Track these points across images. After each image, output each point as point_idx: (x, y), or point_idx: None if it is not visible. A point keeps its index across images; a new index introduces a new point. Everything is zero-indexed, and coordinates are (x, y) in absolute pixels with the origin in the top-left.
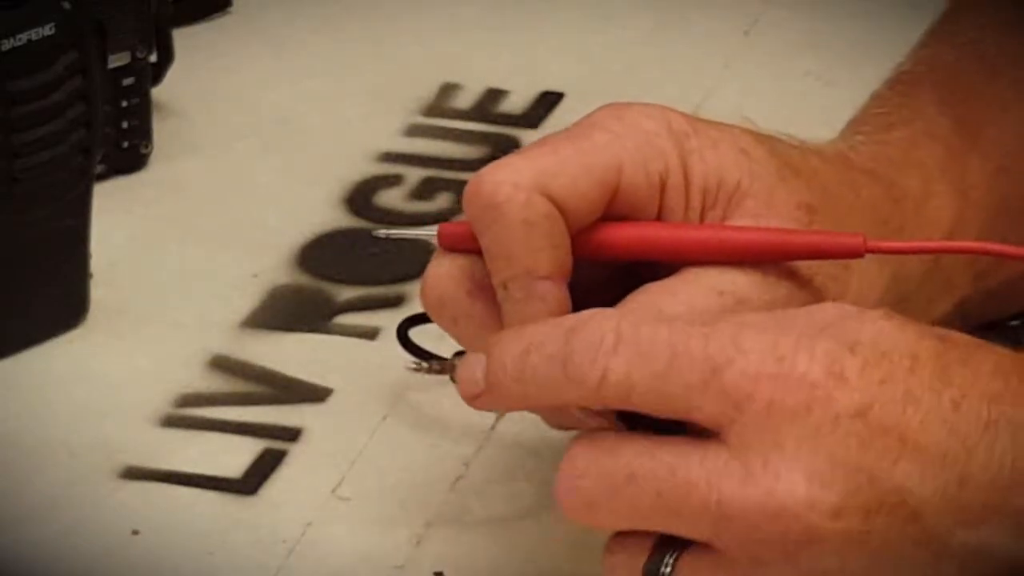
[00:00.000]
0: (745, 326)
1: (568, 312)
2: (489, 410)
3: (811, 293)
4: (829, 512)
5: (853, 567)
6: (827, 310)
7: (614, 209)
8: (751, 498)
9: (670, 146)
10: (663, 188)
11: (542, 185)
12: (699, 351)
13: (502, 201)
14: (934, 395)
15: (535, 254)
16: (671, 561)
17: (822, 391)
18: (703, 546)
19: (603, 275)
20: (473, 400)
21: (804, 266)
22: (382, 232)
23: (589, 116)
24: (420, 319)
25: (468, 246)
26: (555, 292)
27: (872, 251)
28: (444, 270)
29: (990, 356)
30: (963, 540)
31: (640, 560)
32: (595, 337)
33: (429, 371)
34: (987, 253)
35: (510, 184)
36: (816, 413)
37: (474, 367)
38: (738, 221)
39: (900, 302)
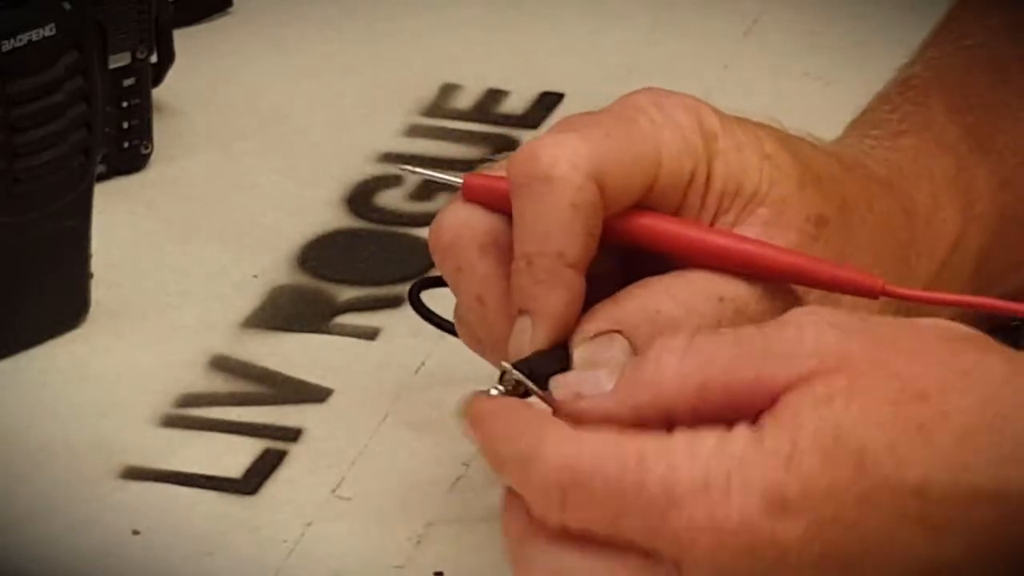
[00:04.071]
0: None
1: (581, 301)
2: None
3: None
4: None
5: None
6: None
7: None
8: None
9: (701, 145)
10: (688, 185)
11: (597, 170)
12: (643, 494)
13: (557, 177)
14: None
15: (572, 238)
16: None
17: (763, 532)
18: None
19: (603, 260)
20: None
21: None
22: (407, 168)
23: (630, 98)
24: (432, 282)
25: (492, 203)
26: (578, 282)
27: (888, 295)
28: (462, 218)
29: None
30: None
31: None
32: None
33: (508, 394)
34: (1009, 312)
35: (569, 162)
36: (759, 552)
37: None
38: (748, 228)
39: (901, 311)
